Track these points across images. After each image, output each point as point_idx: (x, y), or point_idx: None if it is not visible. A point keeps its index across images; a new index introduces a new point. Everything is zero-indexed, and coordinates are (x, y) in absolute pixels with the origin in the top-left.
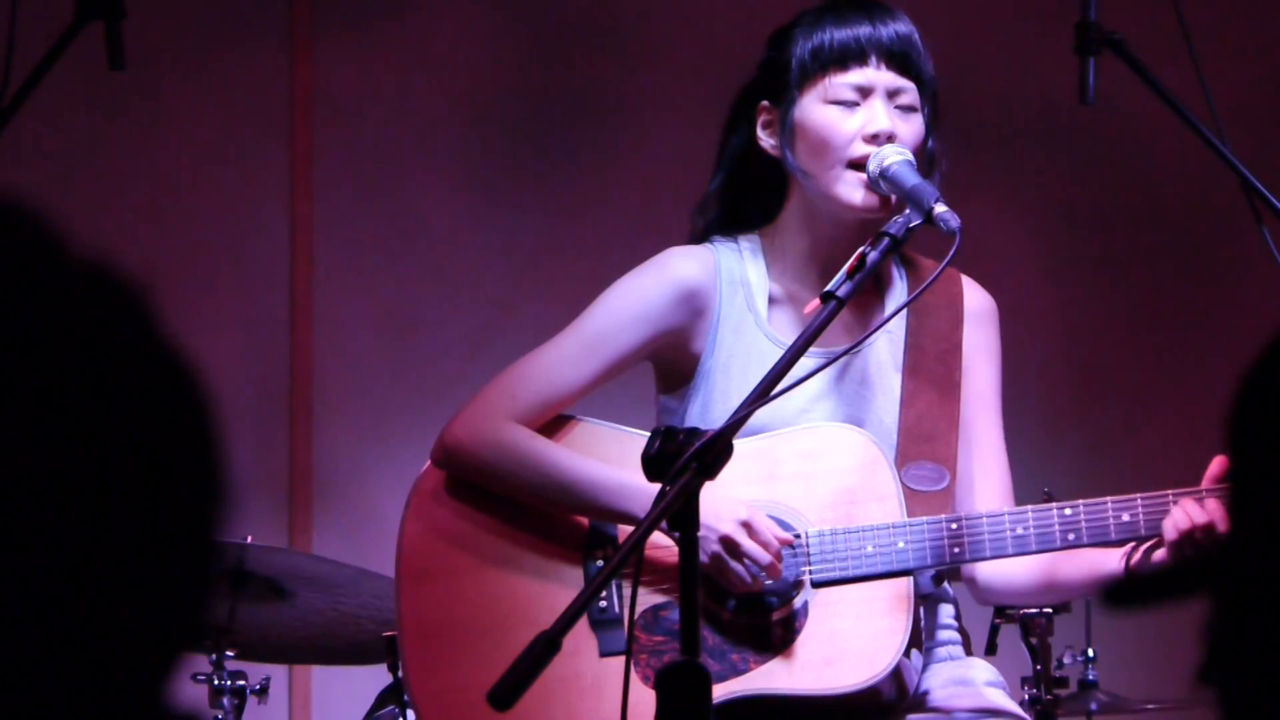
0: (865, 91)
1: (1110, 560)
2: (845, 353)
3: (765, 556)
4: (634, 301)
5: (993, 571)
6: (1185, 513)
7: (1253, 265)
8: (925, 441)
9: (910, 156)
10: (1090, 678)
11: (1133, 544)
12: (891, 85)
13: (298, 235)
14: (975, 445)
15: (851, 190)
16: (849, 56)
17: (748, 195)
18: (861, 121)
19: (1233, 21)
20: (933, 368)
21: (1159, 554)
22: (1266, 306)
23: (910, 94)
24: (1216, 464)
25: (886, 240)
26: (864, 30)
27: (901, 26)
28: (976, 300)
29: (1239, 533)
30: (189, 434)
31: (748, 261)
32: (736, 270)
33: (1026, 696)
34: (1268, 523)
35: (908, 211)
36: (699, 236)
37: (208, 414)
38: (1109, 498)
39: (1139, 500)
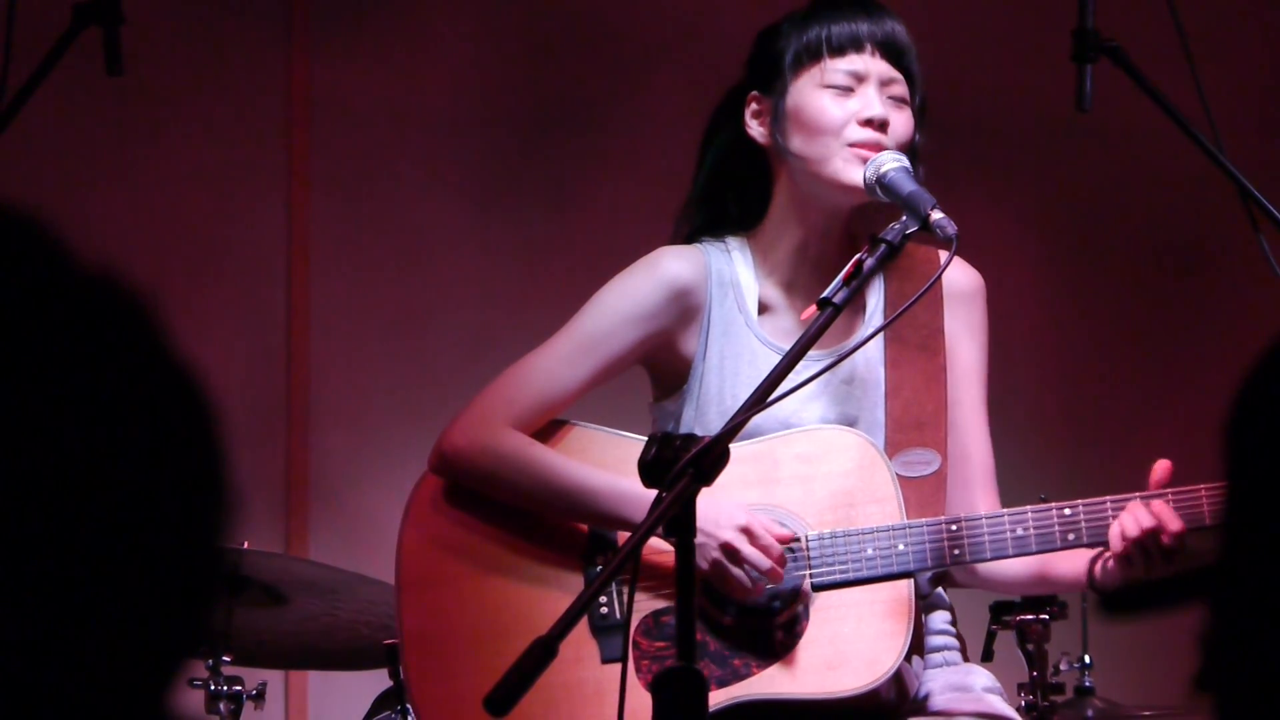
0: (859, 78)
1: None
2: (849, 353)
3: (766, 562)
4: (626, 301)
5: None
6: (1134, 518)
7: (1249, 272)
8: (915, 429)
9: (906, 163)
10: (1087, 684)
11: (1097, 551)
12: (885, 75)
13: (295, 240)
14: (956, 424)
15: (847, 168)
16: (845, 44)
17: (730, 198)
18: (856, 106)
19: (1230, 30)
20: (915, 355)
21: (1112, 563)
22: (1263, 313)
23: (901, 86)
24: (1159, 470)
25: (883, 247)
26: (860, 22)
27: (896, 25)
28: (958, 279)
29: (1235, 540)
30: (193, 442)
31: (737, 262)
32: (726, 271)
33: (1023, 703)
34: (1264, 530)
35: (904, 218)
36: (685, 230)
37: (211, 422)
38: (1108, 497)
39: (1138, 499)
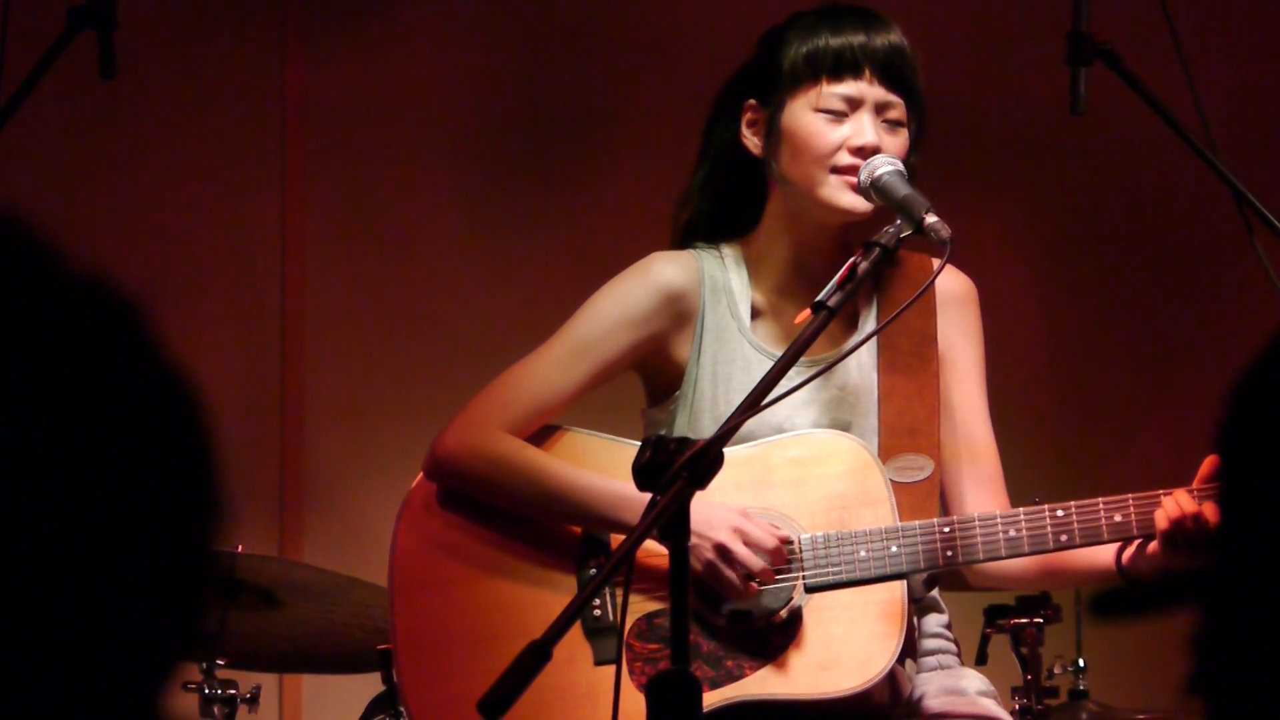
0: (854, 103)
1: (1107, 551)
2: (839, 359)
3: (759, 562)
4: (619, 305)
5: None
6: (1177, 503)
7: (1243, 276)
8: (907, 435)
9: (900, 166)
10: (1080, 688)
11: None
12: (881, 100)
13: (289, 244)
14: (960, 427)
15: (836, 191)
16: (842, 66)
17: (729, 194)
18: (848, 132)
19: (1224, 33)
20: (908, 362)
21: (1152, 546)
22: (1257, 316)
23: (899, 109)
24: (1207, 464)
25: (877, 250)
26: (859, 40)
27: (896, 38)
28: (949, 284)
29: (1228, 542)
30: (185, 445)
31: (730, 270)
32: (720, 278)
33: (1017, 706)
34: (1257, 532)
35: (898, 221)
36: (680, 232)
37: (204, 425)
38: (1100, 498)
39: (1130, 500)
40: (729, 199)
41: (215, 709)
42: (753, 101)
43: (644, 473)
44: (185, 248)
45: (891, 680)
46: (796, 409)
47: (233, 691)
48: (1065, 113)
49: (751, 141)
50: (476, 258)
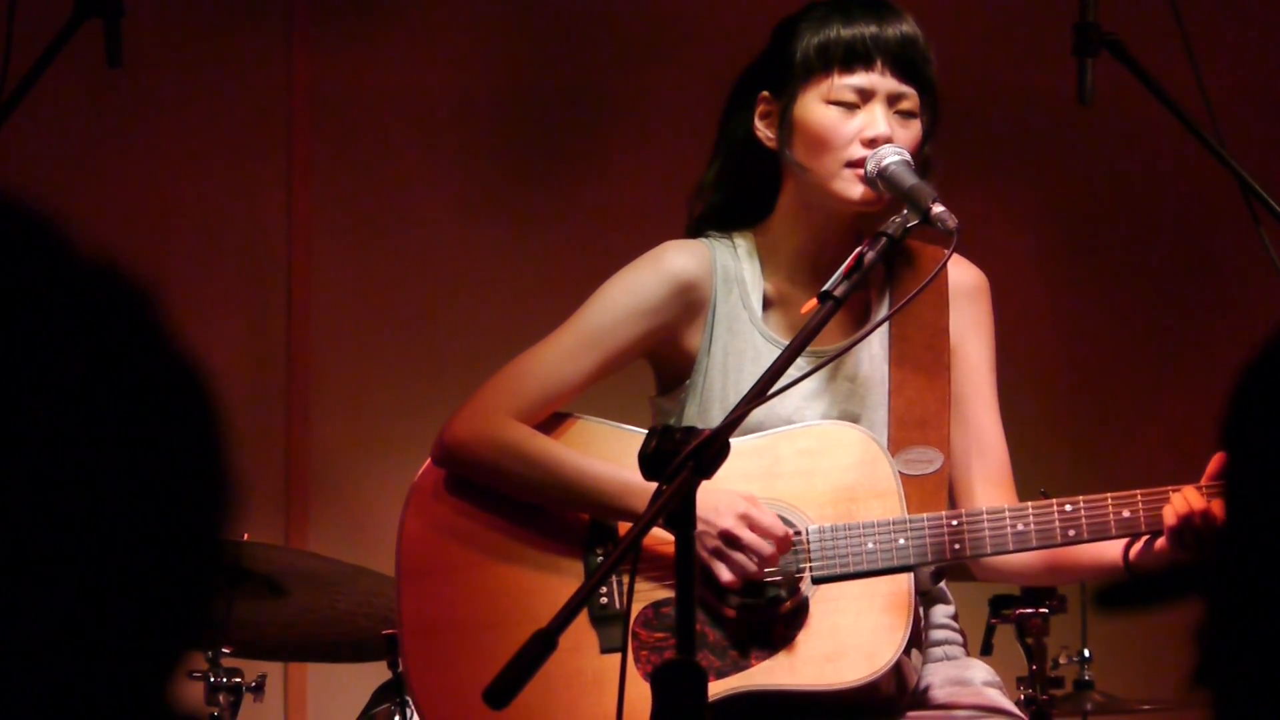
0: (866, 94)
1: (1113, 547)
2: (842, 351)
3: (766, 547)
4: (631, 294)
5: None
6: (1185, 499)
7: (1249, 267)
8: (917, 427)
9: (908, 156)
10: (1086, 678)
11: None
12: (893, 90)
13: (295, 233)
14: (970, 421)
15: (849, 185)
16: (854, 58)
17: (744, 185)
18: (861, 124)
19: (1231, 23)
20: (920, 354)
21: (1160, 542)
22: (1263, 307)
23: (911, 100)
24: (1215, 461)
25: (884, 240)
26: (870, 31)
27: (908, 29)
28: (962, 277)
29: (1234, 534)
30: (194, 434)
31: (742, 259)
32: (731, 267)
33: (1022, 697)
34: (1262, 524)
35: (905, 211)
36: (695, 223)
37: (214, 414)
38: (1109, 494)
39: (1139, 496)
40: (743, 191)
41: (221, 697)
42: (766, 93)
43: (649, 461)
44: (191, 237)
45: (898, 671)
46: (806, 400)
47: (238, 680)
48: (1073, 103)
49: (765, 134)
50: (482, 248)
